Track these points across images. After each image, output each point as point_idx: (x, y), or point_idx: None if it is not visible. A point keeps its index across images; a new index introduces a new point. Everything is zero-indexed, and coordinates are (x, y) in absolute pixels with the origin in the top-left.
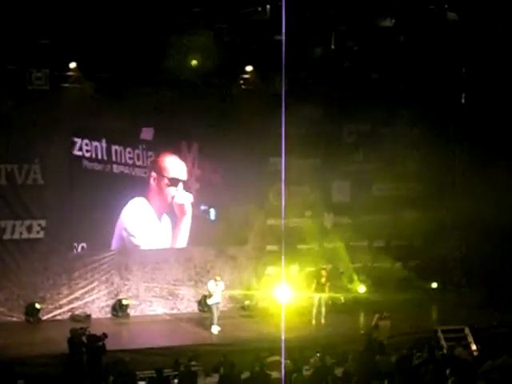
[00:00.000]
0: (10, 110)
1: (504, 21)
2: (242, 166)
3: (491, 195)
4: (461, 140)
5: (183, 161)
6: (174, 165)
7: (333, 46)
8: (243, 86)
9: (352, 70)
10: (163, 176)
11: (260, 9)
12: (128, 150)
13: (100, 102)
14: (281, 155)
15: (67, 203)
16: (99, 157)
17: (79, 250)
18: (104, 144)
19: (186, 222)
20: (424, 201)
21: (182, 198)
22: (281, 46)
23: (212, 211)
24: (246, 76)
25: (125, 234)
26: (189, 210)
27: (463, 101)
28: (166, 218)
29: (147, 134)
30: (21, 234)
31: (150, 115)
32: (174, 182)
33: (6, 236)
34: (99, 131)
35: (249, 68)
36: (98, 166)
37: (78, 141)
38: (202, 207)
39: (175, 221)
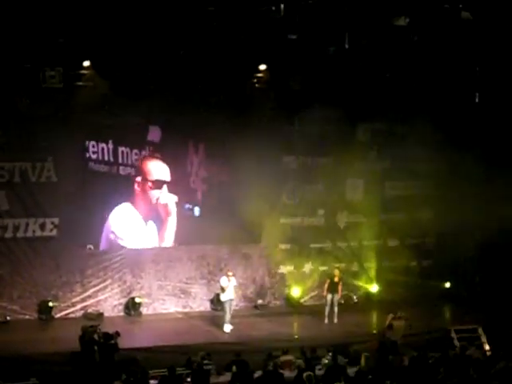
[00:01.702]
0: (24, 108)
1: None
2: (254, 165)
3: (506, 195)
4: (475, 139)
5: (166, 165)
6: (157, 167)
7: (347, 45)
8: (257, 85)
9: (366, 69)
10: (147, 180)
11: (274, 8)
12: (134, 151)
13: (113, 101)
14: (294, 154)
15: (80, 201)
16: (106, 158)
17: (88, 248)
18: (111, 145)
19: (172, 223)
20: (438, 200)
21: (166, 198)
22: (295, 44)
23: (196, 209)
24: (260, 74)
25: (112, 236)
26: (173, 209)
27: (477, 100)
28: (151, 223)
29: (155, 135)
30: (34, 231)
31: (159, 115)
32: (157, 184)
33: (20, 234)
34: (107, 132)
35: (262, 66)
36: (104, 168)
37: (86, 142)
38: (187, 206)
39: (160, 223)
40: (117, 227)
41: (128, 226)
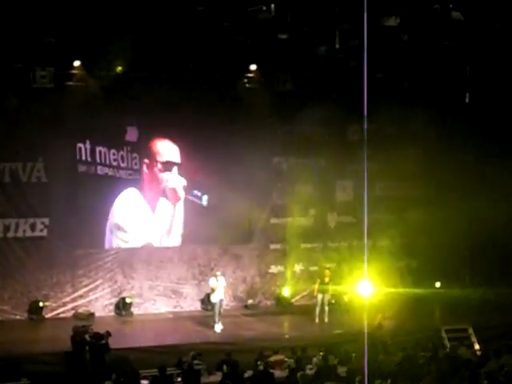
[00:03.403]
0: (15, 108)
1: (508, 20)
2: (245, 165)
3: (496, 194)
4: (465, 139)
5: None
6: (167, 148)
7: (337, 45)
8: (247, 85)
9: (356, 69)
10: (156, 161)
11: (264, 7)
12: (112, 151)
13: (104, 101)
14: (284, 155)
15: (71, 202)
16: (83, 158)
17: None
18: (88, 145)
19: (180, 208)
20: (428, 200)
21: (175, 182)
22: (285, 44)
23: (205, 197)
24: (250, 75)
25: (114, 229)
26: (182, 194)
27: (467, 100)
28: (161, 205)
29: (132, 135)
30: (24, 232)
31: (142, 116)
32: (167, 166)
33: (10, 234)
34: (85, 132)
35: (253, 67)
36: (81, 168)
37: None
38: (195, 192)
39: (170, 207)
40: (120, 218)
41: (132, 215)
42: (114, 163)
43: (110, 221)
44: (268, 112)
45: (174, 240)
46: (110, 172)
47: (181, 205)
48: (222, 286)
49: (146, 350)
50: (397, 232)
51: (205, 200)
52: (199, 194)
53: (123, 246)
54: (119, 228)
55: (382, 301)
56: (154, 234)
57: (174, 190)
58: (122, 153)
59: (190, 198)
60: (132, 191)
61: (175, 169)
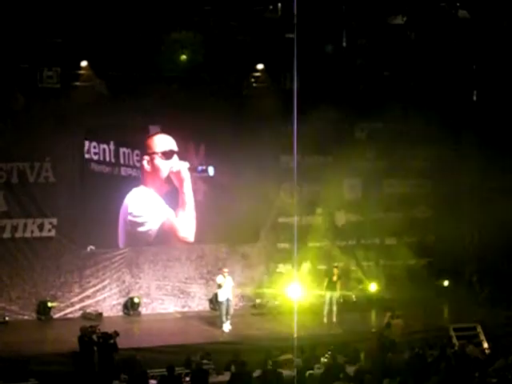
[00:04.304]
0: (22, 108)
1: None
2: (253, 164)
3: (504, 192)
4: (472, 137)
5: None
6: (163, 140)
7: (344, 44)
8: (254, 84)
9: (364, 68)
10: (155, 153)
11: (271, 7)
12: (136, 152)
13: (111, 101)
14: (292, 153)
15: (78, 202)
16: (107, 159)
17: (89, 250)
18: (112, 146)
19: (188, 187)
20: (436, 198)
21: (178, 165)
22: (292, 43)
23: (210, 168)
24: (257, 74)
25: (129, 218)
26: (186, 175)
27: (475, 98)
28: (168, 189)
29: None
30: (32, 232)
31: (158, 116)
32: (167, 155)
33: (18, 234)
34: (108, 133)
35: (260, 66)
36: (105, 169)
37: (87, 143)
38: (200, 168)
39: (176, 193)
40: (134, 208)
41: (145, 203)
42: (137, 164)
43: (125, 218)
44: (275, 111)
45: (190, 214)
46: (134, 173)
47: (188, 184)
48: (229, 286)
49: (154, 349)
50: (405, 230)
51: (211, 171)
52: (204, 167)
53: (141, 230)
54: (134, 216)
55: (390, 300)
56: (168, 211)
57: (178, 172)
58: (145, 157)
59: (197, 174)
60: (139, 189)
61: (175, 156)
